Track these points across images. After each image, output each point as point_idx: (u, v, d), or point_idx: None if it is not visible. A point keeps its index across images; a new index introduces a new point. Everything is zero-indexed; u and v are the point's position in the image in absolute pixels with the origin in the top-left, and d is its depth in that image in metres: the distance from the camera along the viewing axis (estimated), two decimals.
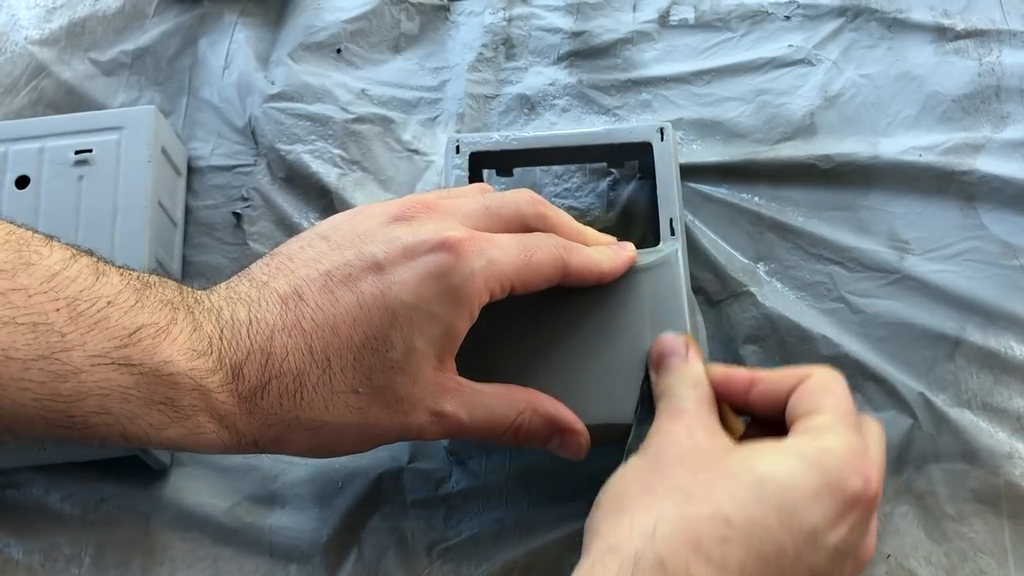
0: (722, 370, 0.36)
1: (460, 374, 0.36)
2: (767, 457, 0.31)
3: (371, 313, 0.34)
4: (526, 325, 0.39)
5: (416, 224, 0.36)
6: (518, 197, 0.38)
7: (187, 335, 0.33)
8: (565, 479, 0.43)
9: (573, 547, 0.41)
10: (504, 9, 0.54)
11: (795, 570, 0.30)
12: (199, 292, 0.35)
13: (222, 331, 0.33)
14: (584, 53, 0.52)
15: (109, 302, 0.31)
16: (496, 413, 0.36)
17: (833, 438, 0.32)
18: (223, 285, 0.36)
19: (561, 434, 0.37)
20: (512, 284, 0.36)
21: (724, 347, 0.45)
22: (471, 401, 0.36)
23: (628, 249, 0.40)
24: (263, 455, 0.44)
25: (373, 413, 0.35)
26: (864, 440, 0.33)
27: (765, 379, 0.35)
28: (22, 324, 0.30)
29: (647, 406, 0.36)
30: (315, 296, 0.34)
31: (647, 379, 0.37)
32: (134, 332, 0.31)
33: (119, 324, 0.31)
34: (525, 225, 0.38)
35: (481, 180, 0.48)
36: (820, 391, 0.33)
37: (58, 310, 0.30)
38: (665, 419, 0.34)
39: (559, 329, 0.39)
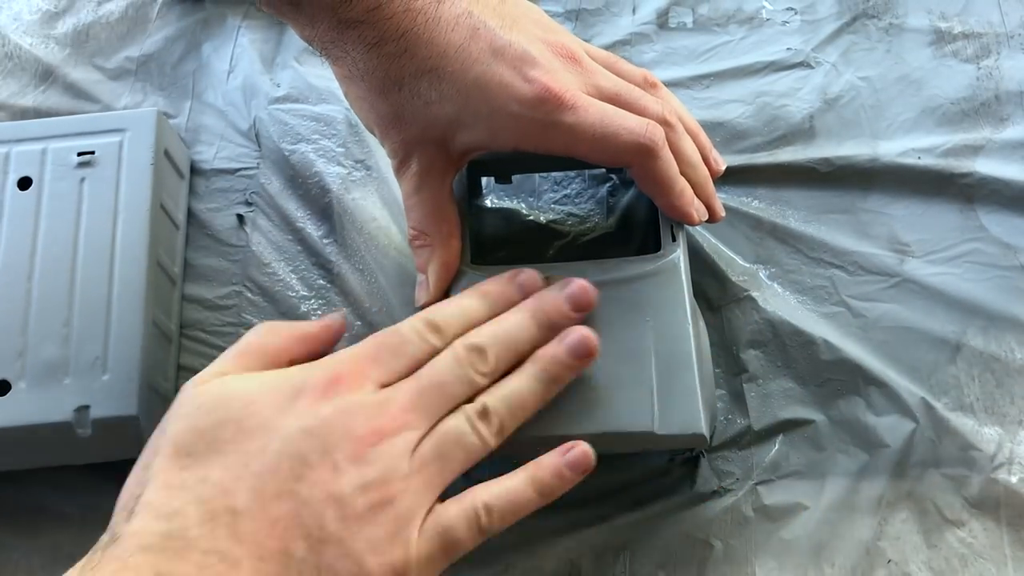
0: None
1: None
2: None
3: (457, 63, 0.37)
4: None
5: (552, 56, 0.39)
6: (650, 103, 0.40)
7: None
8: (573, 489, 0.42)
9: (580, 555, 0.41)
10: None
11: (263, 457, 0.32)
12: None
13: None
14: None
15: None
16: None
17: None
18: None
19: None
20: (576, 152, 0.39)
21: (726, 352, 0.45)
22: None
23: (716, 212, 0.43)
24: None
25: (378, 110, 0.39)
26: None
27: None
28: None
29: None
30: (447, 13, 0.37)
31: None
32: None
33: None
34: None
35: (479, 188, 0.48)
36: None
37: None
38: None
39: None
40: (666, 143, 0.39)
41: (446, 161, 0.40)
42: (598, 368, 0.38)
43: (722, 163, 0.44)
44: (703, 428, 0.37)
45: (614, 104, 0.39)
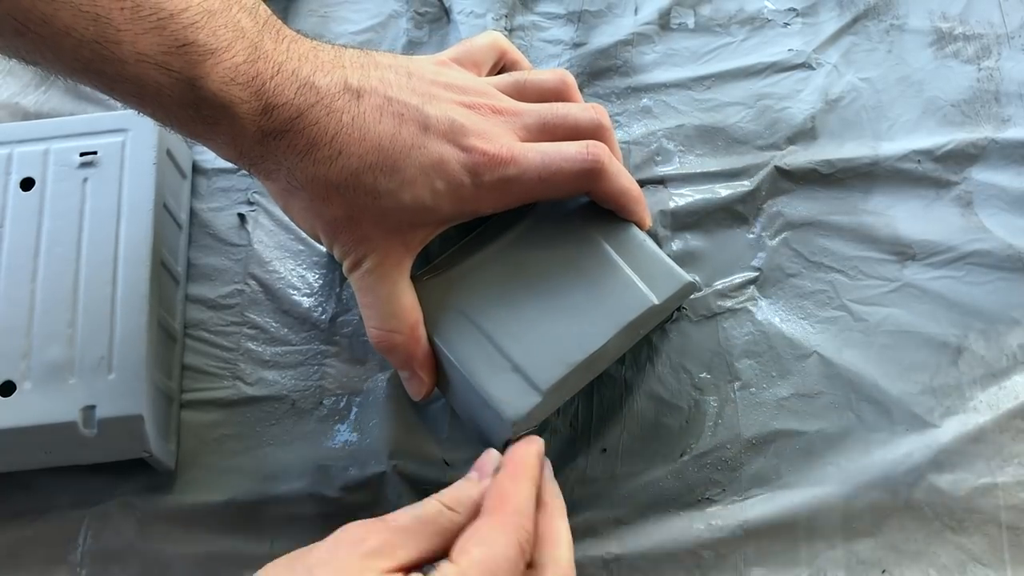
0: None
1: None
2: None
3: (394, 151, 0.37)
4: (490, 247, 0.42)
5: (477, 117, 0.39)
6: (578, 114, 0.41)
7: (236, 63, 0.34)
8: (573, 488, 0.43)
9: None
10: (507, 17, 0.54)
11: None
12: (284, 31, 0.37)
13: (276, 74, 0.35)
14: (585, 58, 0.52)
15: (171, 15, 0.33)
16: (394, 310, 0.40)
17: None
18: (311, 43, 0.38)
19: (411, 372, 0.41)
20: (531, 197, 0.40)
21: (720, 360, 0.45)
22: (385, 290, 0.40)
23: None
24: (265, 450, 0.45)
25: (325, 216, 0.39)
26: None
27: None
28: (85, 12, 0.31)
29: None
30: (369, 106, 0.37)
31: None
32: (183, 46, 0.33)
33: (172, 35, 0.33)
34: (579, 136, 0.41)
35: None
36: None
37: (121, 10, 0.32)
38: None
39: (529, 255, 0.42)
40: (610, 156, 0.40)
41: (403, 251, 0.40)
42: (576, 289, 0.40)
43: None
44: (688, 277, 0.41)
45: (546, 136, 0.40)
